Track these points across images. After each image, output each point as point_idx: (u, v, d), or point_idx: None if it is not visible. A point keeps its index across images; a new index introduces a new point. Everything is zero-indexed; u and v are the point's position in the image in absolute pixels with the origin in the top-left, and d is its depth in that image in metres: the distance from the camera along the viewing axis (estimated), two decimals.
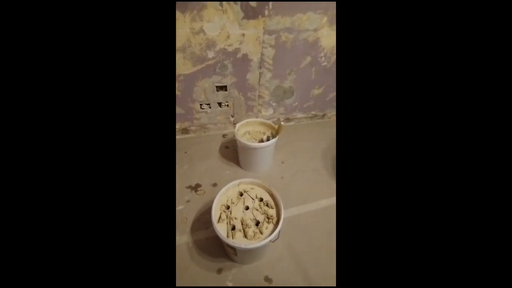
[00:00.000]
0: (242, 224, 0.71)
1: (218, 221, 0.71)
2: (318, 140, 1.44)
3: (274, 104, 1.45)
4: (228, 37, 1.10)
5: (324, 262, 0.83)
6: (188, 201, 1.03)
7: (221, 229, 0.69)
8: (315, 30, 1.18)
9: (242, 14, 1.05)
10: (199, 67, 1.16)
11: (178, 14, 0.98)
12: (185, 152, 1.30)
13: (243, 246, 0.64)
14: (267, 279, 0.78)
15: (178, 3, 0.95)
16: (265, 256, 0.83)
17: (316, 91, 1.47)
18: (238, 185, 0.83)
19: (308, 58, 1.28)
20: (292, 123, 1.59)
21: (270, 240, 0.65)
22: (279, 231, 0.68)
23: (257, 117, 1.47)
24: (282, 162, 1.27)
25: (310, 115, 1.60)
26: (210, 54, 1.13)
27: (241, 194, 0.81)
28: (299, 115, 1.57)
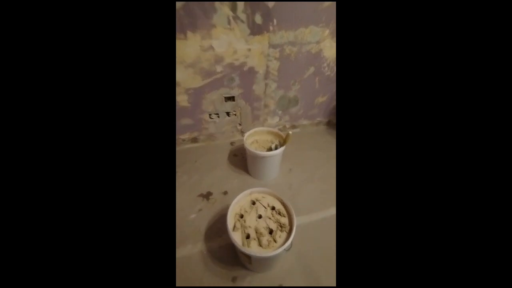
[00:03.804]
0: (256, 232, 0.74)
1: (233, 230, 0.74)
2: (324, 148, 1.47)
3: (279, 112, 1.49)
4: (235, 52, 1.15)
5: (335, 270, 0.84)
6: (200, 209, 1.06)
7: (236, 238, 0.72)
8: (318, 42, 1.23)
9: (248, 31, 1.11)
10: (208, 80, 1.22)
11: (189, 34, 1.04)
12: (195, 161, 1.34)
13: (258, 254, 0.66)
14: None
15: (188, 25, 1.01)
16: (278, 264, 0.85)
17: (320, 99, 1.51)
18: (250, 194, 0.86)
19: (312, 69, 1.33)
20: (297, 130, 1.63)
21: (284, 249, 0.68)
22: (291, 241, 0.70)
23: (263, 125, 1.51)
24: (290, 170, 1.30)
25: (315, 122, 1.63)
26: (219, 69, 1.19)
27: (253, 203, 0.84)
28: (305, 122, 1.61)
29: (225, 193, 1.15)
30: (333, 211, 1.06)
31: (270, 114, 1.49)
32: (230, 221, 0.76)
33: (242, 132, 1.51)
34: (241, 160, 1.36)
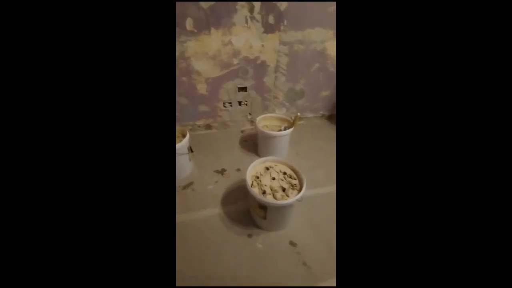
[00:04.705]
0: (271, 190, 0.86)
1: (251, 186, 0.86)
2: (328, 138, 1.60)
3: (287, 104, 1.65)
4: (250, 47, 1.33)
5: None
6: (216, 182, 1.18)
7: (254, 192, 0.83)
8: (323, 41, 1.41)
9: (262, 29, 1.29)
10: (225, 71, 1.38)
11: (213, 30, 1.22)
12: (210, 144, 1.47)
13: (275, 202, 0.78)
14: (292, 243, 0.90)
15: (213, 23, 1.19)
16: (288, 224, 0.96)
17: (324, 93, 1.67)
18: (264, 162, 0.99)
19: (317, 65, 1.50)
20: (303, 122, 1.77)
21: (297, 199, 0.79)
22: (302, 195, 0.82)
23: None
24: (297, 154, 1.43)
25: (319, 114, 1.78)
26: (235, 61, 1.35)
27: (267, 169, 0.96)
28: (310, 115, 1.76)
29: (238, 170, 1.27)
30: (334, 187, 1.18)
31: (278, 105, 1.64)
32: (248, 179, 0.88)
33: (252, 122, 1.65)
34: (251, 145, 1.49)
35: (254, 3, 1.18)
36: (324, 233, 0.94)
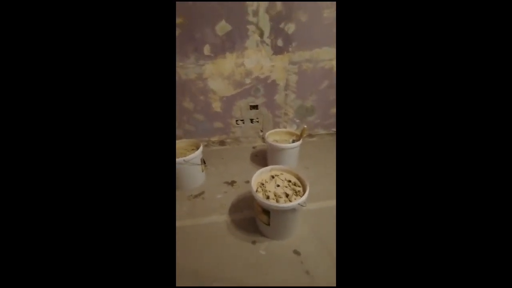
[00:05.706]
0: (275, 195, 0.86)
1: (256, 191, 0.87)
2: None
3: (297, 121, 1.68)
4: (261, 67, 1.45)
5: None
6: (225, 192, 1.20)
7: (258, 197, 0.84)
8: (331, 59, 1.49)
9: (272, 52, 1.42)
10: (238, 90, 1.50)
11: (227, 54, 1.38)
12: (222, 158, 1.53)
13: (276, 204, 0.77)
14: (296, 252, 0.86)
15: (228, 47, 1.36)
16: (293, 233, 0.92)
17: (335, 110, 1.68)
18: (270, 170, 1.00)
19: (326, 82, 1.56)
20: (314, 139, 1.77)
21: (299, 204, 0.78)
22: (305, 200, 0.80)
23: None
24: (307, 168, 1.41)
25: (331, 132, 1.77)
26: (247, 81, 1.48)
27: (273, 177, 0.97)
28: (321, 132, 1.76)
29: (247, 182, 1.29)
30: None
31: (289, 122, 1.68)
32: (253, 185, 0.89)
33: (263, 139, 1.70)
34: (261, 159, 1.52)
35: (264, 28, 1.34)
36: (329, 245, 0.87)
